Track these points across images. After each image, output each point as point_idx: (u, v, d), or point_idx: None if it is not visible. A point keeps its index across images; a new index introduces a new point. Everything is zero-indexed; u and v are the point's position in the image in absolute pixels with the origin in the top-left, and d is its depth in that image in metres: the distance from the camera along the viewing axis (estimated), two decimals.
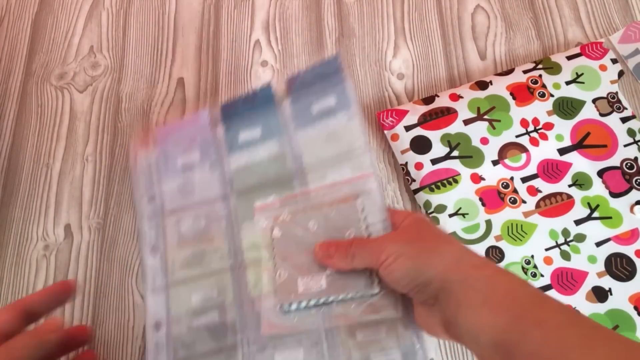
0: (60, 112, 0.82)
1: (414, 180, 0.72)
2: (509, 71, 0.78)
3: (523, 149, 0.73)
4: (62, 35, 0.87)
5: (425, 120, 0.75)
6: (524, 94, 0.76)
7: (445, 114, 0.75)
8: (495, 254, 0.69)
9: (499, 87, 0.77)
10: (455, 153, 0.73)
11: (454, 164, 0.72)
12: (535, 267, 0.68)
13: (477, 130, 0.74)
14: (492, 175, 0.72)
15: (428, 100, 0.77)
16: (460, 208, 0.71)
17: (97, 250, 0.74)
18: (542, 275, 0.68)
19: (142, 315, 0.71)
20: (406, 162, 0.73)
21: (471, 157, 0.73)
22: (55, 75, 0.84)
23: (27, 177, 0.78)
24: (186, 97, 0.82)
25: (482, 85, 0.77)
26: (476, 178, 0.72)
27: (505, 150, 0.73)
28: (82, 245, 0.74)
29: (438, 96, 0.77)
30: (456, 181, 0.72)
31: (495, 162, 0.73)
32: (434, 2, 0.87)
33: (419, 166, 0.72)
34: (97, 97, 0.82)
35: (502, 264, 0.68)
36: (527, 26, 0.85)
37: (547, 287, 0.67)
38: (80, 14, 0.89)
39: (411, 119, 0.75)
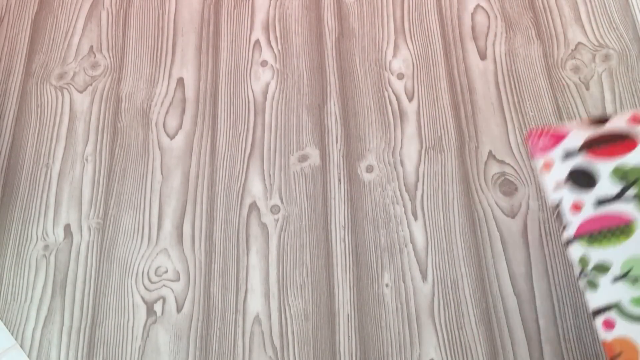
0: (60, 112, 0.82)
1: (568, 226, 0.55)
2: None
3: None
4: (62, 35, 0.87)
5: (591, 145, 0.57)
6: None
7: (622, 140, 0.56)
8: None
9: None
10: (631, 192, 0.54)
11: (629, 208, 0.54)
12: None
13: None
14: None
15: (597, 121, 0.59)
16: (631, 269, 0.52)
17: (97, 250, 0.74)
18: None
19: (142, 315, 0.71)
20: (560, 200, 0.56)
21: None
22: (55, 75, 0.84)
23: (27, 177, 0.78)
24: (186, 97, 0.82)
25: None
26: None
27: None
28: (81, 245, 0.74)
29: (611, 118, 0.60)
30: (630, 231, 0.53)
31: None
32: (434, 2, 0.87)
33: (577, 207, 0.55)
34: (97, 97, 0.82)
35: None
36: (527, 26, 0.85)
37: None
38: (80, 14, 0.89)
39: (573, 142, 0.57)
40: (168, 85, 0.83)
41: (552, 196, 0.59)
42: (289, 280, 0.71)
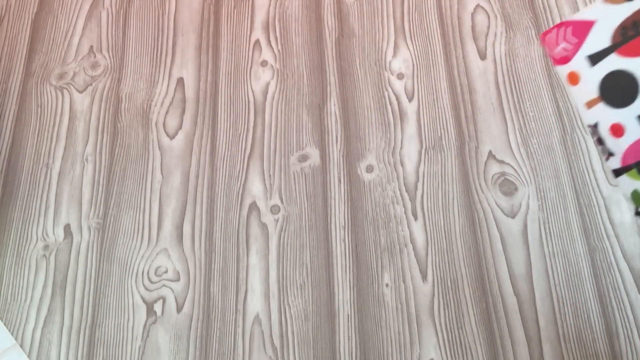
0: (60, 112, 0.82)
1: (612, 155, 0.43)
2: None
3: None
4: (62, 35, 0.87)
5: (625, 38, 0.41)
6: None
7: None
8: None
9: None
10: None
11: None
12: None
13: None
14: None
15: None
16: None
17: (97, 250, 0.74)
18: None
19: (142, 315, 0.71)
20: (596, 123, 0.43)
21: None
22: (55, 75, 0.84)
23: (27, 177, 0.78)
24: (186, 97, 0.82)
25: None
26: None
27: None
28: (81, 245, 0.74)
29: None
30: None
31: None
32: (434, 2, 0.87)
33: (617, 130, 0.42)
34: (96, 97, 0.82)
35: None
36: (527, 26, 0.85)
37: None
38: (80, 14, 0.89)
39: (600, 38, 0.43)
40: (168, 85, 0.83)
41: (586, 117, 0.45)
42: (289, 280, 0.71)
